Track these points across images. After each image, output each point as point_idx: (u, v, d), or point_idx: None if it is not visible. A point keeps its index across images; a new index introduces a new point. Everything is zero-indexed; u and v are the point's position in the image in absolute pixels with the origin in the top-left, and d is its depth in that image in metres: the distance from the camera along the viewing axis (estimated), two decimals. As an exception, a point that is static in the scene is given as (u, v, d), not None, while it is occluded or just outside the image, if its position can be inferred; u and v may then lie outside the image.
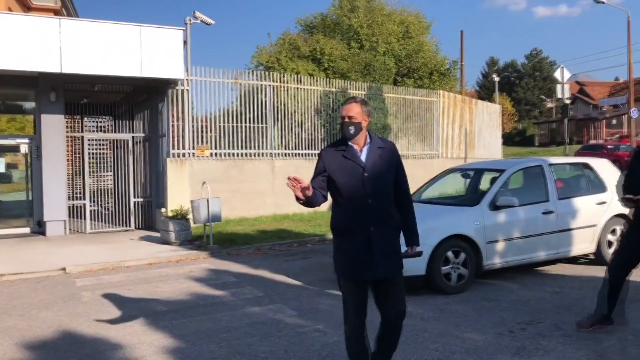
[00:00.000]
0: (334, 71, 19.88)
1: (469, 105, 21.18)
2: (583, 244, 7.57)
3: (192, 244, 10.69)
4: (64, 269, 8.76)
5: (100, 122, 18.81)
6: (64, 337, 5.51)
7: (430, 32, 25.69)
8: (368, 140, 3.74)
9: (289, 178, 3.47)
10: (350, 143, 3.70)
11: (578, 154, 30.22)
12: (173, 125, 12.80)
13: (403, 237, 3.83)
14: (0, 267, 8.82)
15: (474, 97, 36.94)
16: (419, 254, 3.91)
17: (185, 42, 12.57)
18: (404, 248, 3.83)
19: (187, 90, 12.90)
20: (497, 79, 45.42)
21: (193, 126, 13.11)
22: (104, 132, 17.49)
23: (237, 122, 13.90)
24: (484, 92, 61.56)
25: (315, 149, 15.28)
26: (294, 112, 14.97)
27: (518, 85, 69.41)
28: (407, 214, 3.87)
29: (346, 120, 3.68)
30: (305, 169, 14.48)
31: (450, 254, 6.64)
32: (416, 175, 15.79)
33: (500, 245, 6.96)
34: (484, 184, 7.91)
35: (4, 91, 12.99)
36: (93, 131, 18.45)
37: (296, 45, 20.19)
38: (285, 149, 14.82)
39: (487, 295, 6.54)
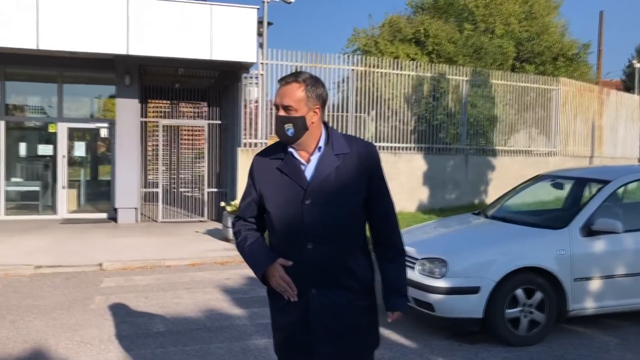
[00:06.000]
0: (439, 55, 17.98)
1: (599, 95, 18.23)
2: None
3: (249, 243, 9.73)
4: (101, 264, 8.19)
5: (197, 107, 18.67)
6: (29, 357, 4.71)
7: (560, 12, 22.58)
8: (322, 142, 2.34)
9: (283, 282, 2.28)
10: (290, 148, 2.34)
11: None
12: (246, 113, 11.92)
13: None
14: (44, 257, 8.48)
15: (619, 87, 32.49)
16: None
17: (260, 22, 11.60)
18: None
19: (262, 74, 11.93)
20: (638, 65, 39.84)
21: (268, 114, 12.14)
22: (203, 118, 17.21)
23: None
24: (631, 82, 54.89)
25: (403, 142, 13.69)
26: (386, 99, 13.47)
27: (672, 74, 61.27)
28: (388, 258, 2.44)
29: (281, 112, 2.29)
30: (390, 165, 12.97)
31: (520, 292, 4.97)
32: (525, 176, 13.62)
33: (594, 284, 5.13)
34: (582, 198, 6.04)
35: (90, 74, 12.90)
36: (190, 117, 18.34)
37: (398, 27, 18.53)
38: (378, 141, 13.33)
39: (567, 353, 4.80)
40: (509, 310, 4.94)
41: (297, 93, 2.26)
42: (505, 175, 14.53)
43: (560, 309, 5.06)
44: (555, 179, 6.40)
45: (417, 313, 5.15)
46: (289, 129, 2.25)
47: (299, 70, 12.10)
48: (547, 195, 7.01)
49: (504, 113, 15.30)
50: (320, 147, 2.31)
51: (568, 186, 6.43)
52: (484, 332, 5.03)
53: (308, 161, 2.31)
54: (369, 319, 2.35)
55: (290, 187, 2.27)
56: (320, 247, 2.24)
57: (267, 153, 2.41)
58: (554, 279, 5.00)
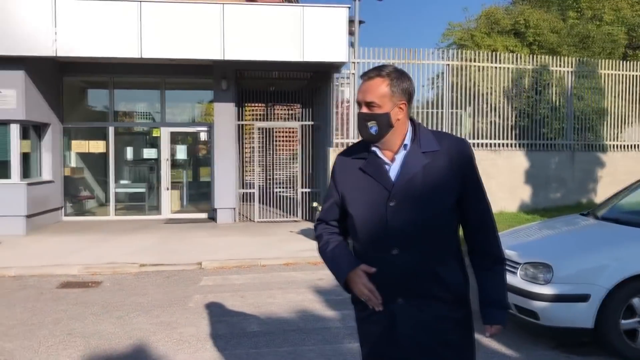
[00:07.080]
0: (541, 45, 16.99)
1: None
2: None
3: (343, 243, 9.68)
4: (200, 263, 8.46)
5: (290, 109, 18.94)
6: (131, 353, 4.91)
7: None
8: (408, 140, 2.17)
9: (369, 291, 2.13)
10: (374, 147, 2.20)
11: None
12: (337, 113, 11.89)
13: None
14: (147, 256, 8.90)
15: None
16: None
17: (352, 21, 11.52)
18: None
19: (353, 74, 11.85)
20: None
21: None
22: (296, 120, 17.46)
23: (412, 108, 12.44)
24: None
25: (502, 139, 13.06)
26: (483, 94, 12.93)
27: None
28: (484, 266, 2.23)
29: (363, 109, 2.15)
30: (488, 163, 12.44)
31: (637, 301, 4.53)
32: (637, 173, 12.61)
33: None
34: None
35: (190, 80, 13.42)
36: (284, 119, 18.65)
37: (495, 19, 17.73)
38: (476, 138, 12.83)
39: (695, 370, 4.30)
40: (625, 321, 4.51)
41: (380, 88, 2.10)
42: (616, 173, 13.50)
43: (686, 321, 4.55)
44: (677, 176, 5.78)
45: (519, 321, 4.83)
46: (372, 126, 2.11)
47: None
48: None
49: (614, 105, 14.19)
50: (405, 145, 2.15)
51: (692, 184, 5.79)
52: (595, 343, 4.63)
53: (393, 160, 2.16)
54: (462, 333, 2.17)
55: (374, 188, 2.13)
56: (407, 252, 2.08)
57: (349, 152, 2.28)
58: (677, 288, 4.50)
